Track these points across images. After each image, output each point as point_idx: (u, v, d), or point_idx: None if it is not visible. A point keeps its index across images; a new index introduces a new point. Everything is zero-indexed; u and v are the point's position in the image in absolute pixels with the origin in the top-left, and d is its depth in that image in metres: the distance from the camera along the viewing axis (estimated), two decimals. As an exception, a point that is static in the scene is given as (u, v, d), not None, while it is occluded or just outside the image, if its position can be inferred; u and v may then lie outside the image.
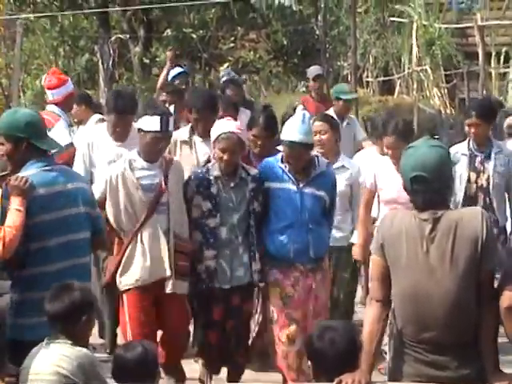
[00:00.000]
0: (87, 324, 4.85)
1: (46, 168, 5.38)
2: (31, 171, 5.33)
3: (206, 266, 6.57)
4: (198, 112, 7.71)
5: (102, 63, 18.26)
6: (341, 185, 7.17)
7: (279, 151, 6.97)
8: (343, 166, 7.54)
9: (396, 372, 4.40)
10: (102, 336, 8.20)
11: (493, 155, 7.42)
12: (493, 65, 17.41)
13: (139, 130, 6.61)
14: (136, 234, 6.51)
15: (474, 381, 4.24)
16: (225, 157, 6.52)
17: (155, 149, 6.58)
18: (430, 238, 4.28)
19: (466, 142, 7.55)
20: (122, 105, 7.33)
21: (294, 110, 9.77)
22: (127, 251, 6.52)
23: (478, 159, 7.34)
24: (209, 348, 6.75)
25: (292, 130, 6.55)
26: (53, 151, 5.81)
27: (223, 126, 6.74)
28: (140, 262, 6.51)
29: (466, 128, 7.57)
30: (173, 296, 6.58)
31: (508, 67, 17.27)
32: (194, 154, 7.57)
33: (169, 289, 6.52)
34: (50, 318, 4.74)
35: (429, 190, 4.33)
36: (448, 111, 16.76)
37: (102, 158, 7.31)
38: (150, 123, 6.52)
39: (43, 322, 4.85)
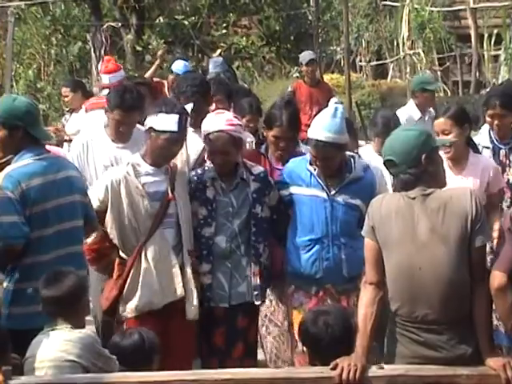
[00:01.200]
0: (84, 308, 4.90)
1: (39, 157, 5.37)
2: (25, 161, 5.33)
3: (201, 283, 5.84)
4: (187, 100, 6.68)
5: (95, 51, 18.26)
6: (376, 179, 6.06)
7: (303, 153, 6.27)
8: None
9: (391, 354, 4.42)
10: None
11: None
12: (485, 47, 17.41)
13: (150, 129, 5.79)
14: (140, 251, 5.74)
15: (469, 360, 4.27)
16: (215, 159, 5.89)
17: (169, 152, 5.83)
18: (419, 215, 4.33)
19: (487, 133, 6.95)
20: (130, 100, 6.59)
21: (289, 95, 9.64)
22: (131, 272, 5.74)
23: (502, 152, 6.76)
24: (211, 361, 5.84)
25: (321, 127, 5.63)
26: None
27: (212, 122, 5.96)
28: (146, 284, 5.71)
29: (488, 119, 6.84)
30: (183, 323, 5.79)
31: (500, 49, 17.27)
32: (184, 149, 6.40)
33: (190, 315, 5.76)
34: (49, 303, 4.74)
35: (399, 172, 4.44)
36: (442, 94, 16.73)
37: (98, 161, 6.55)
38: (166, 122, 5.73)
39: (39, 313, 4.86)
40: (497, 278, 4.17)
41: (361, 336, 4.33)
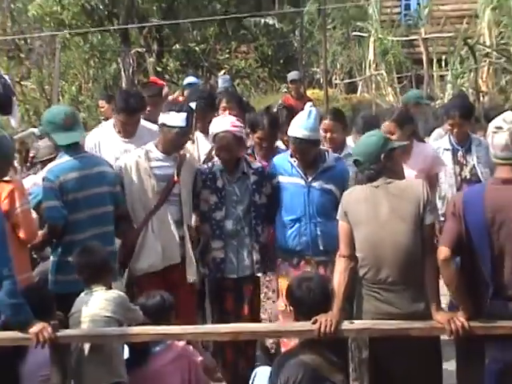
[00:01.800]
0: (111, 274, 4.94)
1: (77, 156, 5.38)
2: (64, 159, 5.40)
3: (213, 257, 5.70)
4: (197, 109, 6.56)
5: (124, 71, 18.18)
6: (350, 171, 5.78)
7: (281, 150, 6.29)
8: (350, 154, 6.00)
9: (359, 311, 4.43)
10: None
11: (473, 148, 6.75)
12: (434, 69, 17.39)
13: (163, 125, 5.72)
14: (146, 222, 5.64)
15: (421, 316, 4.28)
16: (221, 155, 5.74)
17: (179, 143, 5.77)
18: (382, 200, 4.36)
19: (447, 137, 6.86)
20: (134, 104, 6.39)
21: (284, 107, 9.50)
22: (139, 239, 5.65)
23: (460, 153, 6.67)
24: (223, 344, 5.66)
25: (298, 127, 5.53)
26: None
27: (219, 124, 5.87)
28: (152, 249, 5.61)
29: (449, 127, 6.84)
30: (184, 284, 5.70)
31: (447, 71, 17.29)
32: (196, 149, 6.58)
33: (190, 277, 5.69)
34: (83, 271, 4.77)
35: (364, 168, 4.50)
36: (400, 106, 16.73)
37: (109, 153, 6.22)
38: (176, 119, 5.68)
39: (77, 280, 4.86)
40: (442, 252, 4.15)
41: (336, 298, 4.33)
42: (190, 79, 11.72)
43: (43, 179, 5.40)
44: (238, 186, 5.75)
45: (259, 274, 5.83)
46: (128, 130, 6.25)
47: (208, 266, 5.75)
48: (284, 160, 5.73)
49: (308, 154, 5.56)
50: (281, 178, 5.68)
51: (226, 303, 5.69)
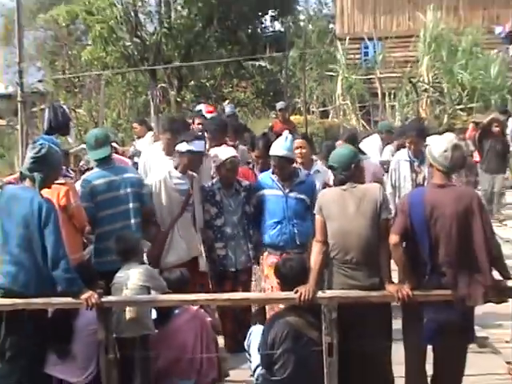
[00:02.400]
0: (141, 253, 4.96)
1: (107, 166, 5.35)
2: (95, 169, 5.42)
3: (218, 254, 5.64)
4: (211, 133, 6.76)
5: (152, 101, 18.15)
6: (317, 183, 5.86)
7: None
8: (318, 170, 6.21)
9: (331, 283, 4.39)
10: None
11: (426, 160, 6.45)
12: (386, 100, 17.42)
13: (179, 151, 5.64)
14: (172, 225, 5.55)
15: (377, 287, 4.26)
16: (229, 174, 5.66)
17: (198, 164, 5.76)
18: (348, 200, 4.32)
19: (406, 151, 6.66)
20: (177, 126, 6.30)
21: (270, 129, 9.42)
22: (168, 239, 5.56)
23: (416, 164, 6.53)
24: (224, 312, 5.60)
25: (278, 148, 5.51)
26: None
27: (228, 152, 5.80)
28: (179, 246, 5.55)
29: (407, 144, 6.68)
30: (201, 272, 5.64)
31: (395, 102, 17.35)
32: (210, 165, 6.25)
33: (202, 267, 5.64)
34: (126, 250, 4.75)
35: (337, 173, 4.46)
36: (361, 128, 16.73)
37: (157, 166, 6.04)
38: (197, 146, 5.67)
39: (114, 259, 4.86)
40: (393, 238, 4.16)
41: (312, 273, 4.31)
42: (200, 106, 11.73)
43: (80, 185, 5.37)
44: (233, 199, 5.68)
45: (250, 266, 5.78)
46: (171, 149, 6.01)
47: (213, 262, 5.69)
48: (267, 176, 5.67)
49: (285, 168, 5.52)
50: (265, 191, 5.59)
51: (226, 288, 5.55)
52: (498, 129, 9.82)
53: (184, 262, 5.51)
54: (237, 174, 5.78)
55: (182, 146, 5.62)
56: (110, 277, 4.71)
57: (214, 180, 5.81)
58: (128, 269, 4.63)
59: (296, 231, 5.49)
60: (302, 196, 5.52)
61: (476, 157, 10.14)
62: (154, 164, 6.33)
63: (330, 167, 4.54)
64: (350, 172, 4.43)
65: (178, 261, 5.50)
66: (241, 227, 5.67)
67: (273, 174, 5.59)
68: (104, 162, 5.36)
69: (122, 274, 4.62)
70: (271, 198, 5.55)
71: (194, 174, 5.74)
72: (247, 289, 5.72)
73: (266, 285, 5.52)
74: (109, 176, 5.31)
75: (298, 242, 5.47)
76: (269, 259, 5.53)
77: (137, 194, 5.38)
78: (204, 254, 5.69)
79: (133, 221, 5.32)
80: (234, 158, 5.69)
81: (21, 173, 4.49)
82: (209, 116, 9.60)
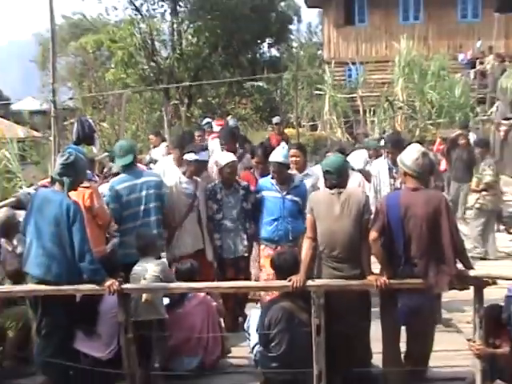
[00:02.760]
0: (159, 249, 4.94)
1: (131, 171, 5.32)
2: (121, 175, 5.39)
3: (217, 245, 5.58)
4: (225, 141, 6.88)
5: (166, 116, 18.09)
6: (307, 185, 5.78)
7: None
8: (308, 174, 6.10)
9: (319, 273, 4.37)
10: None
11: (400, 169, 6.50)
12: (367, 116, 17.38)
13: (186, 160, 5.68)
14: (181, 223, 5.56)
15: (358, 277, 4.24)
16: (230, 176, 5.62)
17: (202, 171, 5.79)
18: (335, 202, 4.29)
19: (385, 160, 6.51)
20: (184, 143, 6.19)
21: (262, 143, 9.35)
22: (176, 233, 5.57)
23: (394, 171, 6.27)
24: (226, 294, 5.35)
25: (277, 155, 5.50)
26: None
27: (227, 157, 5.76)
28: (185, 241, 5.56)
29: (385, 153, 6.51)
30: (206, 263, 5.54)
31: (375, 117, 17.30)
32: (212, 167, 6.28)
33: (209, 258, 5.57)
34: (144, 246, 4.71)
35: (331, 178, 4.40)
36: (345, 140, 16.69)
37: (170, 176, 5.78)
38: (202, 156, 5.73)
39: (134, 253, 4.83)
40: (372, 235, 4.16)
41: (303, 265, 4.29)
42: (206, 120, 11.75)
43: (108, 190, 5.35)
44: (232, 197, 5.61)
45: (247, 255, 5.68)
46: (179, 161, 5.90)
47: (215, 250, 5.59)
48: (267, 180, 5.63)
49: (282, 173, 5.49)
50: (264, 193, 5.55)
51: (228, 273, 5.52)
52: (464, 141, 9.82)
53: (190, 253, 5.47)
54: (236, 175, 5.73)
55: (190, 156, 5.64)
56: (132, 267, 4.70)
57: (216, 181, 5.76)
58: (146, 262, 4.60)
59: (290, 228, 5.44)
60: (297, 198, 5.49)
61: (443, 165, 10.12)
62: (168, 172, 6.23)
63: (326, 171, 4.44)
64: (342, 178, 4.40)
65: (183, 253, 5.49)
66: (239, 221, 5.59)
67: (272, 178, 5.56)
68: (128, 168, 5.34)
69: (139, 266, 4.60)
70: (270, 198, 5.52)
71: (198, 178, 5.73)
72: (246, 273, 5.66)
73: (262, 274, 5.49)
74: (131, 180, 5.28)
75: (291, 238, 5.43)
76: (265, 251, 5.49)
77: (157, 194, 5.34)
78: (210, 246, 5.60)
79: (152, 218, 5.29)
80: (232, 163, 5.65)
81: (51, 177, 4.49)
82: (218, 128, 9.64)
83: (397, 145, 6.34)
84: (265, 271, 5.40)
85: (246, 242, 5.60)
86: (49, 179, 5.17)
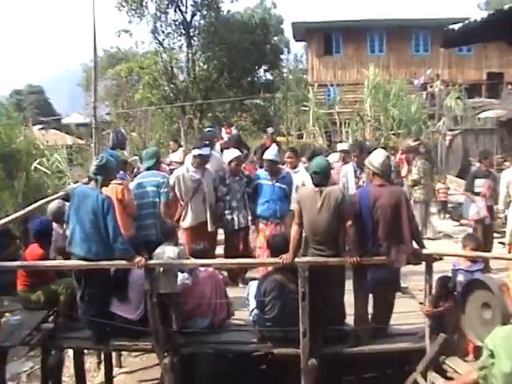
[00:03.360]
0: (175, 236, 4.76)
1: (146, 173, 5.31)
2: (139, 175, 5.39)
3: (226, 218, 5.69)
4: (232, 144, 6.97)
5: (182, 127, 18.01)
6: (298, 180, 5.89)
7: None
8: (299, 171, 6.18)
9: (305, 253, 4.34)
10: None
11: (365, 169, 6.41)
12: (343, 128, 17.26)
13: (193, 155, 5.74)
14: (187, 203, 5.67)
15: (335, 255, 4.19)
16: (236, 167, 5.75)
17: (205, 163, 5.80)
18: (318, 199, 4.23)
19: (351, 163, 6.34)
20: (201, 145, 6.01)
21: (261, 146, 9.34)
22: (184, 211, 5.69)
23: (358, 171, 6.26)
24: (232, 250, 5.67)
25: (268, 154, 5.70)
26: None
27: (235, 153, 5.87)
28: (190, 216, 5.65)
29: (353, 157, 6.37)
30: (208, 233, 5.61)
31: (349, 128, 17.16)
32: (216, 165, 6.25)
33: (210, 228, 5.64)
34: (165, 233, 4.60)
35: (318, 177, 4.32)
36: (326, 146, 16.61)
37: (187, 175, 5.70)
38: (204, 151, 5.73)
39: (146, 234, 4.77)
40: (348, 221, 4.13)
41: (291, 246, 4.24)
42: (209, 128, 11.53)
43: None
44: (237, 183, 5.75)
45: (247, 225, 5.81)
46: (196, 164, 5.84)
47: (224, 223, 5.75)
48: (262, 172, 5.80)
49: (272, 167, 5.68)
50: (260, 181, 5.71)
51: (233, 240, 5.70)
52: (424, 149, 9.48)
53: (194, 224, 5.63)
54: (240, 167, 5.88)
55: (195, 151, 5.75)
56: (146, 245, 4.62)
57: (226, 170, 5.89)
58: (166, 245, 4.52)
59: (278, 208, 5.62)
60: (283, 186, 5.68)
61: (403, 172, 9.71)
62: (187, 173, 6.11)
63: (314, 172, 4.33)
64: (327, 177, 4.34)
65: (190, 224, 5.66)
66: (242, 201, 5.75)
67: (265, 170, 5.75)
68: (150, 169, 5.34)
69: (160, 249, 4.53)
70: (264, 185, 5.69)
71: (208, 167, 5.82)
72: (246, 240, 5.85)
73: (258, 252, 5.57)
74: (141, 178, 5.31)
75: (278, 215, 5.62)
76: (260, 225, 5.67)
77: (154, 191, 5.20)
78: (211, 219, 5.67)
79: (152, 210, 5.16)
80: (237, 157, 5.79)
81: (88, 176, 4.50)
82: (227, 136, 9.59)
83: (361, 150, 6.36)
84: (258, 240, 5.64)
85: (249, 217, 5.74)
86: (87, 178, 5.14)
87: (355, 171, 6.34)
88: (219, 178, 5.80)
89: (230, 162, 5.85)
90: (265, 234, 5.55)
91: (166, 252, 4.46)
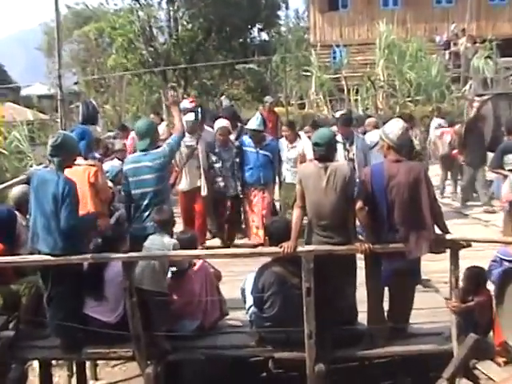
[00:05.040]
0: (171, 224, 4.68)
1: (141, 153, 4.94)
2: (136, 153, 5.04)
3: (218, 185, 6.74)
4: (227, 118, 7.48)
5: (164, 97, 17.89)
6: (295, 152, 6.95)
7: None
8: (295, 146, 6.98)
9: (308, 240, 4.32)
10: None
11: (355, 141, 6.77)
12: (351, 95, 17.21)
13: (185, 120, 6.27)
14: (182, 167, 6.67)
15: (343, 243, 4.17)
16: (222, 136, 6.73)
17: (194, 127, 6.69)
18: (323, 176, 4.20)
19: (340, 136, 6.60)
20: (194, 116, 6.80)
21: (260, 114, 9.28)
22: (179, 175, 6.68)
23: (347, 144, 6.70)
24: (221, 222, 6.98)
25: (252, 124, 6.70)
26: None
27: (221, 122, 6.87)
28: (185, 180, 6.70)
29: (339, 129, 6.71)
30: (201, 196, 6.67)
31: (358, 96, 17.10)
32: (208, 135, 7.26)
33: (203, 193, 6.64)
34: (159, 223, 4.50)
35: (320, 150, 4.28)
36: (330, 116, 16.56)
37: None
38: (188, 117, 6.58)
39: (144, 227, 4.63)
40: (358, 203, 4.10)
41: (293, 232, 4.22)
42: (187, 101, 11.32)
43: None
44: (227, 152, 6.74)
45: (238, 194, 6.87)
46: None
47: (215, 189, 6.76)
48: (247, 139, 6.80)
49: (256, 136, 6.68)
50: (245, 148, 6.72)
51: (225, 204, 6.87)
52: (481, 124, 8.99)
53: (189, 189, 6.68)
54: (227, 137, 6.77)
55: (187, 117, 6.51)
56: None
57: (215, 139, 6.80)
58: (158, 236, 4.45)
59: (262, 175, 6.70)
60: (267, 153, 6.71)
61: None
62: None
63: (315, 143, 4.31)
64: (330, 150, 4.30)
65: (184, 188, 6.72)
66: (232, 169, 6.72)
67: (249, 138, 6.75)
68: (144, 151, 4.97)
69: (152, 238, 4.46)
70: (249, 153, 6.71)
71: (201, 133, 6.78)
72: (237, 206, 6.92)
73: (253, 240, 6.57)
74: (134, 163, 4.98)
75: (262, 182, 6.70)
76: (246, 190, 6.76)
77: (157, 178, 4.94)
78: (205, 184, 6.67)
79: (147, 189, 4.95)
80: (223, 127, 6.74)
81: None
82: (190, 105, 9.22)
83: (346, 122, 6.91)
84: (256, 239, 6.64)
85: (236, 186, 6.74)
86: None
87: (344, 144, 6.73)
88: (209, 146, 6.73)
89: (216, 131, 6.74)
90: (249, 200, 6.72)
91: (158, 245, 4.40)
